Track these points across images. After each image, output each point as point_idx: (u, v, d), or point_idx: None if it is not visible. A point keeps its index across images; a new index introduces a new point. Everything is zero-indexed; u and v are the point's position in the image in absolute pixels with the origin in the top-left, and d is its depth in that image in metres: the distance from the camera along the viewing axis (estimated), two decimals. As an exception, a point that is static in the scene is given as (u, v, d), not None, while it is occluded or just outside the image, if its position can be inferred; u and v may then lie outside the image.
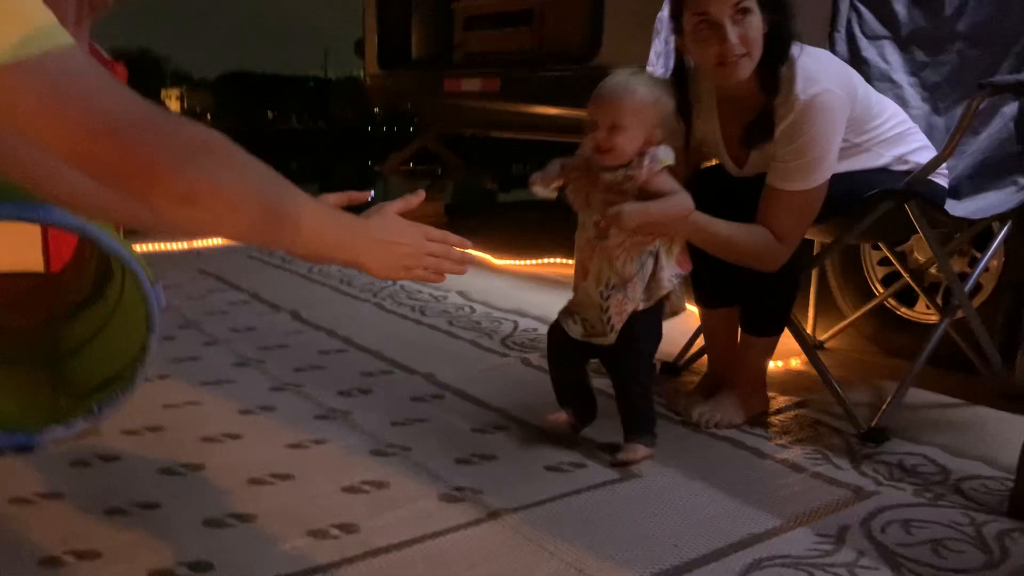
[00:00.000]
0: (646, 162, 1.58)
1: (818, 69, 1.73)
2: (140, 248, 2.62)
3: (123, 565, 1.23)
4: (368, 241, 1.12)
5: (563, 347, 1.71)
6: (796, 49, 1.73)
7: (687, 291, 1.79)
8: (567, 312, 1.71)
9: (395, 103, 5.39)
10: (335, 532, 1.34)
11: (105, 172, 0.93)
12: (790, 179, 1.73)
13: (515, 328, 2.59)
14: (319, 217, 1.06)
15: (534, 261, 3.60)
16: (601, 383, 1.75)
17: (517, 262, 3.57)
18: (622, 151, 1.59)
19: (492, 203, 6.78)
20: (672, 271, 1.66)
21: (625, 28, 3.31)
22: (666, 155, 1.61)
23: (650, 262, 1.62)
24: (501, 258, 3.58)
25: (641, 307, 1.63)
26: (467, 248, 1.22)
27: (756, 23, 1.67)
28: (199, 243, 3.64)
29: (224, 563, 1.24)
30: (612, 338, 1.64)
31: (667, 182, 1.61)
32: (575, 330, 1.68)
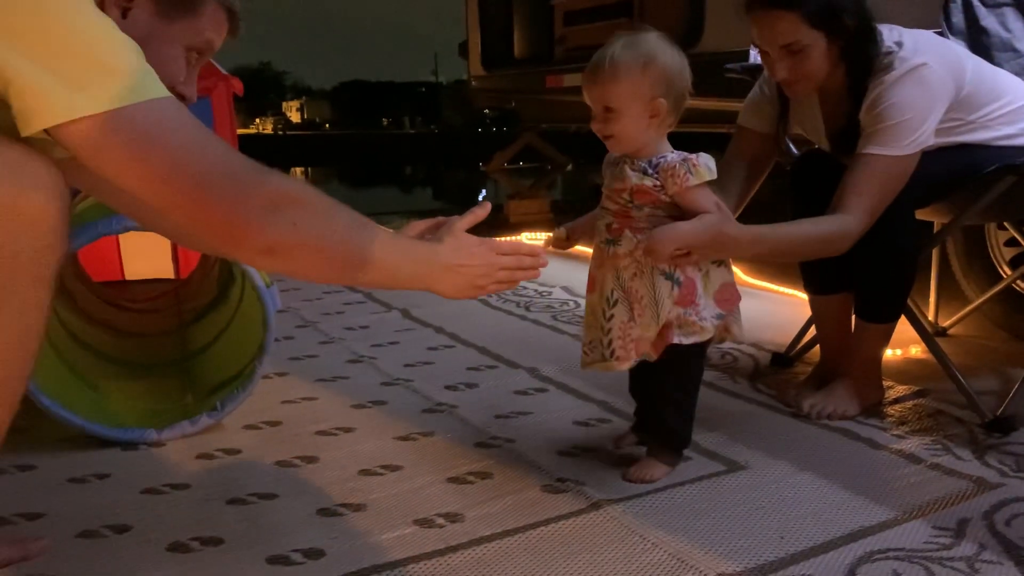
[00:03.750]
0: (681, 172, 1.38)
1: (916, 51, 1.68)
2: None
3: (243, 551, 1.30)
4: (439, 269, 1.14)
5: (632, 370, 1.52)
6: (894, 36, 1.69)
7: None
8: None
9: (499, 102, 5.46)
10: (440, 521, 1.38)
11: (190, 222, 0.98)
12: (872, 142, 1.67)
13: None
14: (393, 254, 1.11)
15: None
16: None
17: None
18: (625, 137, 1.41)
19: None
20: (712, 311, 1.44)
21: (728, 12, 3.23)
22: (707, 166, 1.39)
23: (665, 285, 1.40)
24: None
25: (674, 340, 1.42)
26: (539, 256, 1.22)
27: (813, 54, 1.67)
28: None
29: (335, 550, 1.29)
30: (614, 365, 1.42)
31: (702, 199, 1.41)
32: (582, 360, 1.49)
